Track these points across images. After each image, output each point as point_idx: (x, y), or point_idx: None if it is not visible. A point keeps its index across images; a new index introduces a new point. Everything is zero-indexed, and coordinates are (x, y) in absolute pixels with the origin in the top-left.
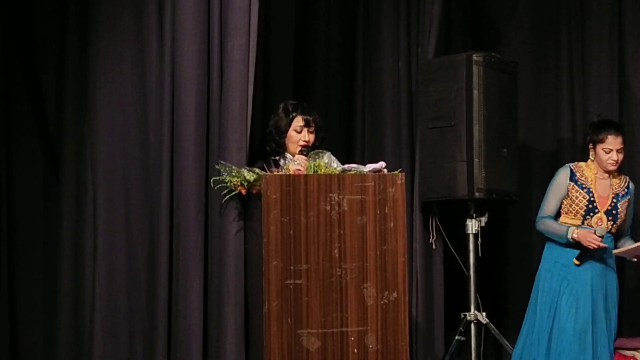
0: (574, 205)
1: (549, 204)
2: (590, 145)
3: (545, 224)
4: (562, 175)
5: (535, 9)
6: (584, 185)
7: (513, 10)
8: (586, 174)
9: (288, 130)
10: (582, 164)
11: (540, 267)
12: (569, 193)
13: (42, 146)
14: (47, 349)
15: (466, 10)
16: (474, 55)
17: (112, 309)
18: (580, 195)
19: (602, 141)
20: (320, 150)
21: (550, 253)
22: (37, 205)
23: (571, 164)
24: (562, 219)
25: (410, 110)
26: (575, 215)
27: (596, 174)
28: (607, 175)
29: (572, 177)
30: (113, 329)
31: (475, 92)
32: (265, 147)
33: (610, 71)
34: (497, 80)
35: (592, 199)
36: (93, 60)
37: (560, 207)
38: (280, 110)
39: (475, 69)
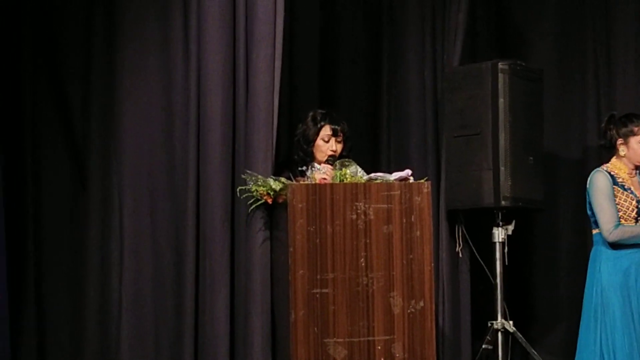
0: (624, 210)
1: (612, 211)
2: (621, 141)
3: (626, 230)
4: (604, 180)
5: (560, 16)
6: (626, 187)
7: (538, 18)
8: (622, 175)
9: (316, 139)
10: (613, 165)
11: (603, 283)
12: (616, 198)
13: (69, 156)
14: (73, 358)
15: (491, 18)
16: (499, 63)
17: (138, 318)
18: (628, 199)
19: (638, 133)
20: (347, 160)
21: (615, 263)
22: (64, 215)
23: (604, 168)
24: None
25: (435, 119)
26: (625, 221)
27: (628, 173)
28: (634, 172)
29: (614, 180)
30: (139, 338)
31: (501, 100)
32: (292, 156)
33: (636, 77)
34: (523, 88)
35: (638, 199)
36: (119, 70)
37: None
38: (309, 119)
39: (500, 77)
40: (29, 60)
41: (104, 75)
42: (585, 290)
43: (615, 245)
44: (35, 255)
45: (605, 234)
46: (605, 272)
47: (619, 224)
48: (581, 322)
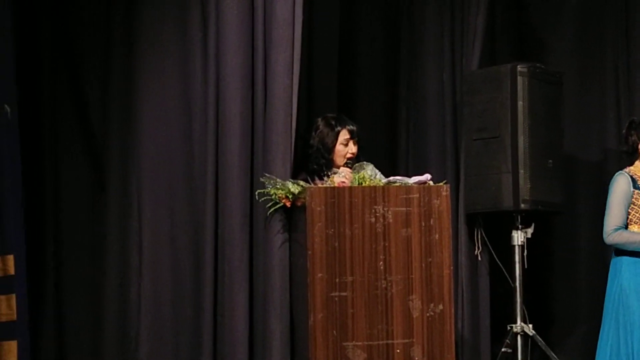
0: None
1: (618, 215)
2: None
3: (623, 236)
4: (624, 183)
5: (579, 19)
6: None
7: (557, 20)
8: None
9: (335, 144)
10: (636, 168)
11: (622, 286)
12: (635, 201)
13: (88, 158)
14: None
15: (510, 21)
16: (518, 66)
17: (157, 321)
18: None
19: None
20: (365, 163)
21: (635, 267)
22: (83, 217)
23: (626, 170)
24: (630, 229)
25: (454, 122)
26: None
27: None
28: None
29: (635, 183)
30: (159, 341)
31: (520, 103)
32: (310, 165)
33: None
34: (542, 91)
35: None
36: (138, 72)
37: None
38: (323, 126)
39: (519, 79)
40: (48, 63)
41: (122, 78)
42: (606, 293)
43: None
44: (55, 258)
45: (604, 235)
46: (625, 275)
47: (619, 228)
48: (602, 325)
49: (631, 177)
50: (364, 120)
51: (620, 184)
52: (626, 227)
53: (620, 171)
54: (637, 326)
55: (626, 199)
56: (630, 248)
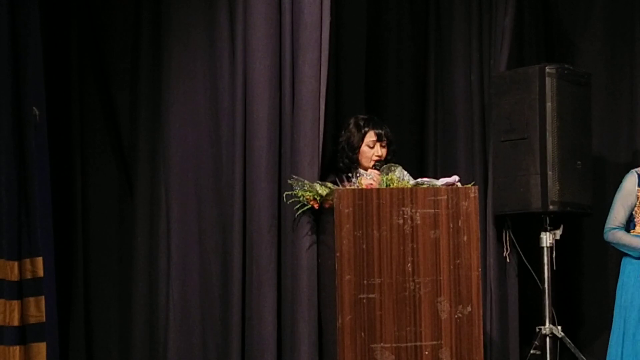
0: None
1: (618, 214)
2: None
3: (616, 236)
4: (630, 182)
5: (608, 19)
6: None
7: (586, 21)
8: None
9: (361, 145)
10: None
11: (622, 283)
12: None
13: (117, 161)
14: None
15: (538, 22)
16: (546, 67)
17: (185, 323)
18: None
19: None
20: (393, 164)
21: (632, 267)
22: (112, 220)
23: (637, 169)
24: (638, 229)
25: (482, 123)
26: None
27: None
28: None
29: None
30: (187, 343)
31: (549, 104)
32: (337, 164)
33: None
34: (571, 92)
35: None
36: (166, 76)
37: (632, 217)
38: (352, 126)
39: (548, 81)
40: (76, 66)
41: (150, 80)
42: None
43: None
44: (84, 260)
45: (604, 231)
46: (625, 272)
47: (614, 228)
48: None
49: (638, 175)
50: (392, 122)
51: (625, 183)
52: (634, 227)
53: (632, 170)
54: (633, 323)
55: (629, 199)
56: (622, 249)
